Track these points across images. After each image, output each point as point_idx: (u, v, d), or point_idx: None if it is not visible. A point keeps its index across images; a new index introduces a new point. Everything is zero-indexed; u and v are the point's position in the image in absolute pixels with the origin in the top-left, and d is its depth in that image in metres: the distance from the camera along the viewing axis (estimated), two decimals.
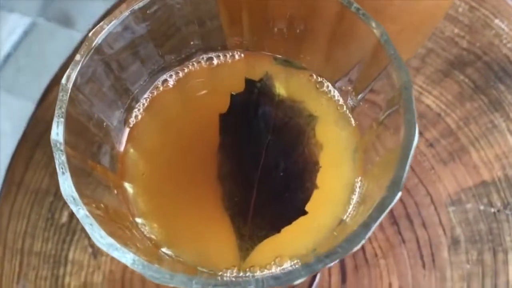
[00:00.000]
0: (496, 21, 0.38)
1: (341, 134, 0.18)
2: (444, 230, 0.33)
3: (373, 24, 0.16)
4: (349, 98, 0.18)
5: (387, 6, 0.27)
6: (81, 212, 0.13)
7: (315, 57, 0.18)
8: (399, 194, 0.14)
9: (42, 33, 1.04)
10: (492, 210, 0.33)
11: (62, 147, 0.14)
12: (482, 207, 0.33)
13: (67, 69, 0.16)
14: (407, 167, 0.14)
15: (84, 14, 1.09)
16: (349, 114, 0.18)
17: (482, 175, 0.34)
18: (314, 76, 0.19)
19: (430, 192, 0.34)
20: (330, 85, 0.18)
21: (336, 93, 0.18)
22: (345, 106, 0.18)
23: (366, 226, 0.13)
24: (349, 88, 0.17)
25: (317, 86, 0.19)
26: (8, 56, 1.01)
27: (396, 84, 0.15)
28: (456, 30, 0.38)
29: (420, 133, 0.35)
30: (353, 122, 0.18)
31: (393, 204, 0.13)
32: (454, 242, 0.33)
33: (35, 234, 0.34)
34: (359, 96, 0.17)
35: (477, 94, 0.36)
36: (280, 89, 0.19)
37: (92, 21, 0.40)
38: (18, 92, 0.97)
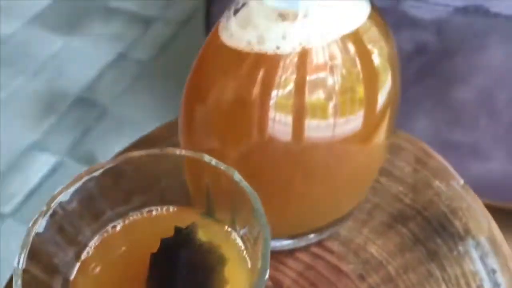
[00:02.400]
0: (437, 182, 0.44)
1: (241, 274, 0.23)
2: None
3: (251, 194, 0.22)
4: (247, 244, 0.23)
5: (315, 169, 0.34)
6: None
7: (225, 214, 0.24)
8: None
9: (67, 172, 1.13)
10: None
11: None
12: None
13: None
14: None
15: (109, 154, 1.19)
16: (247, 257, 0.24)
17: None
18: (226, 227, 0.25)
19: None
20: (236, 234, 0.24)
21: (239, 240, 0.24)
22: (245, 251, 0.24)
23: None
24: (245, 237, 0.23)
25: (228, 234, 0.24)
26: (32, 192, 1.09)
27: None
28: (400, 188, 0.44)
29: (364, 278, 0.40)
30: (249, 263, 0.23)
31: None
32: None
33: None
34: (252, 243, 0.23)
35: (417, 246, 0.41)
36: (202, 236, 0.24)
37: None
38: None
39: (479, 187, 0.96)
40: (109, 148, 1.17)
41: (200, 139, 0.31)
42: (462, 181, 0.45)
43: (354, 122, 0.31)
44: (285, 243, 0.39)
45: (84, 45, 1.39)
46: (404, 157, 0.46)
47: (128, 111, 1.25)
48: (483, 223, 0.42)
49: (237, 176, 0.23)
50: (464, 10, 0.78)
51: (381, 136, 0.35)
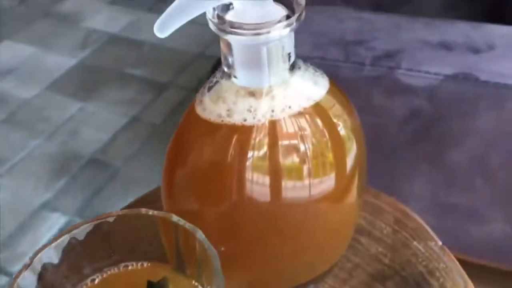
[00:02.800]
0: (415, 242, 0.46)
1: None
2: None
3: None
4: None
5: (287, 227, 0.36)
6: None
7: (193, 269, 0.27)
8: None
9: None
10: None
11: None
12: None
13: None
14: None
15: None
16: None
17: None
18: (194, 281, 0.27)
19: None
20: None
21: None
22: None
23: None
24: None
25: None
26: None
27: None
28: (380, 249, 0.46)
29: None
30: None
31: None
32: None
33: None
34: None
35: None
36: None
37: None
38: None
39: (480, 250, 0.96)
40: (119, 208, 1.20)
41: (180, 200, 0.34)
42: (440, 242, 0.47)
43: (322, 185, 0.34)
44: None
45: (99, 109, 1.46)
46: (384, 218, 0.48)
47: (138, 173, 1.29)
48: (460, 283, 0.44)
49: (200, 235, 0.26)
50: (454, 78, 0.82)
51: (352, 195, 0.37)
